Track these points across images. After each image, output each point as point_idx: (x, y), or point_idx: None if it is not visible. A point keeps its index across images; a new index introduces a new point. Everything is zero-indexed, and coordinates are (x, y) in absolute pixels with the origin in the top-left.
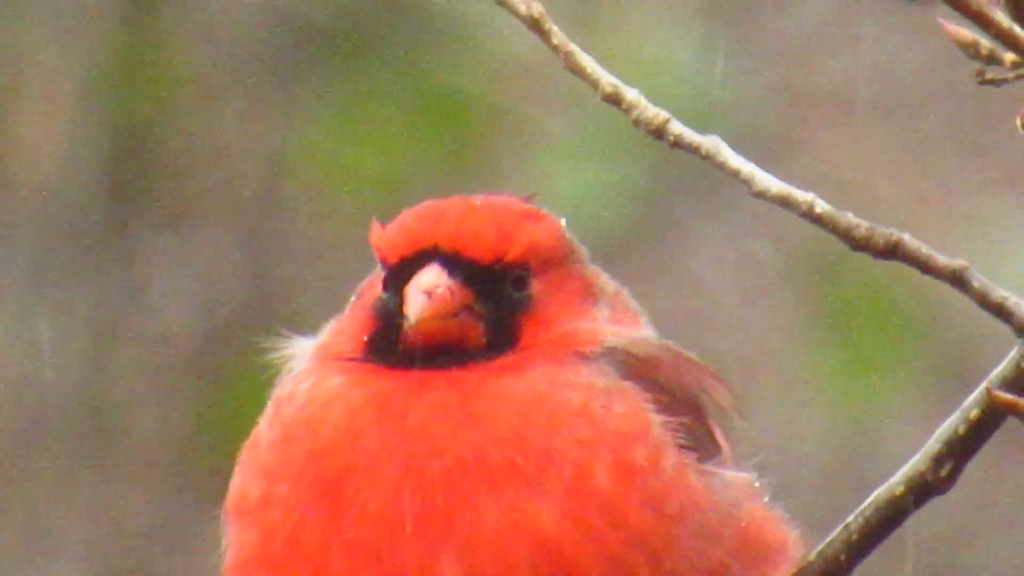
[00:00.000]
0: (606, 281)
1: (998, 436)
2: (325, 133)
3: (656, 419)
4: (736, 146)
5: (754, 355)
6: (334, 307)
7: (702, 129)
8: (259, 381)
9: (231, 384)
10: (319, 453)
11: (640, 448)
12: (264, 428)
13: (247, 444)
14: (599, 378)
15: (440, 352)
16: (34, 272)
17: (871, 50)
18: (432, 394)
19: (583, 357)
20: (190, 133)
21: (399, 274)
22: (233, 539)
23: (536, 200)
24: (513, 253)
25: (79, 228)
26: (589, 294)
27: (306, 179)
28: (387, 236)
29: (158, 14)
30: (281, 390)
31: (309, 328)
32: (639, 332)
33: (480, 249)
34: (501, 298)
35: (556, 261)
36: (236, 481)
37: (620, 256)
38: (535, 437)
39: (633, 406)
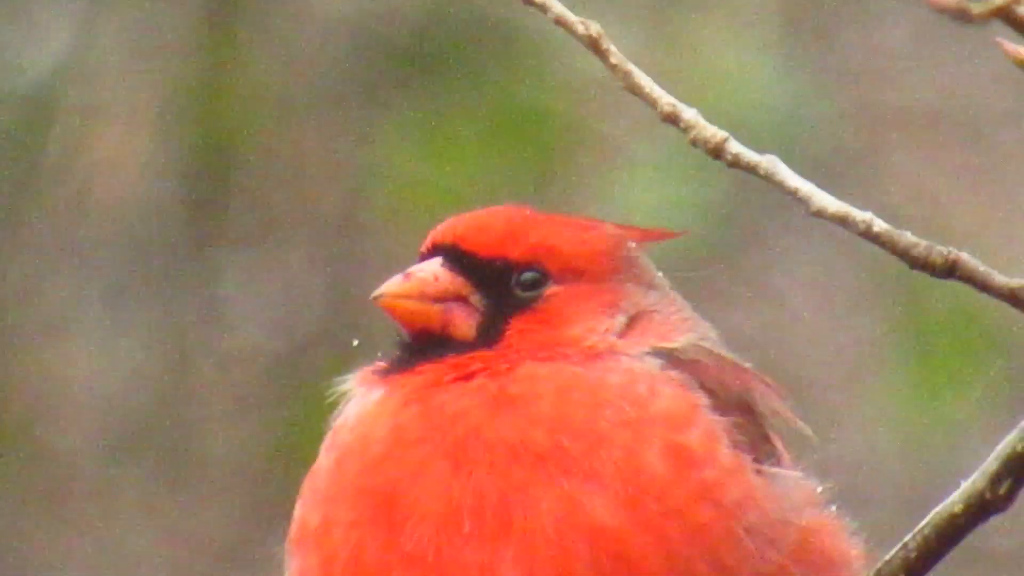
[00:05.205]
0: (651, 299)
1: None
2: (405, 152)
3: (707, 410)
4: (813, 165)
5: (832, 371)
6: None
7: (780, 149)
8: (335, 402)
9: (308, 404)
10: (371, 467)
11: (693, 432)
12: (322, 457)
13: (308, 475)
14: (639, 364)
15: (424, 339)
16: (114, 292)
17: (949, 69)
18: (465, 382)
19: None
20: (270, 152)
21: None
22: (295, 568)
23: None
24: (518, 251)
25: (158, 248)
26: (610, 307)
27: (386, 198)
28: None
29: (237, 33)
30: (336, 418)
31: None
32: (671, 343)
33: (481, 244)
34: (504, 296)
35: (592, 273)
36: (297, 512)
37: (700, 273)
38: (577, 417)
39: (680, 392)
